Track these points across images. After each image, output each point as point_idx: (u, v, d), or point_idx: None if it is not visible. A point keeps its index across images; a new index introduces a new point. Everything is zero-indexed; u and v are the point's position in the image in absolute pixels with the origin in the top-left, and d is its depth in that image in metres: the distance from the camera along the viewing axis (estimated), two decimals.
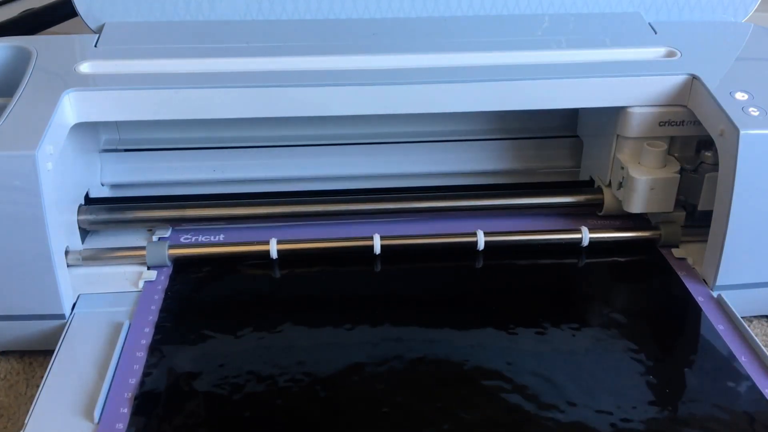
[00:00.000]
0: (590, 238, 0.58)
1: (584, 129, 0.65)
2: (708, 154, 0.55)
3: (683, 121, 0.55)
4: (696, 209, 0.57)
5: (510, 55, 0.58)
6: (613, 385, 0.46)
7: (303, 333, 0.50)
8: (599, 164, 0.61)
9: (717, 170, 0.54)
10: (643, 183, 0.56)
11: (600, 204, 0.60)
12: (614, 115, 0.57)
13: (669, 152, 0.57)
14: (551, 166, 0.66)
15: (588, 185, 0.64)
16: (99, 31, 0.62)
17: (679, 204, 0.58)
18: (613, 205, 0.60)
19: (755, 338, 0.49)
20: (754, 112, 0.50)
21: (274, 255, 0.56)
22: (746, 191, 0.50)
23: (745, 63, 0.57)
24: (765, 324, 0.56)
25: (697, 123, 0.55)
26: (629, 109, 0.56)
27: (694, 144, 0.57)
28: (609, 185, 0.60)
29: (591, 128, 0.63)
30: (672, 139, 0.57)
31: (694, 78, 0.54)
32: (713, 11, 0.65)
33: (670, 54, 0.58)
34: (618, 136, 0.57)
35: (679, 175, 0.56)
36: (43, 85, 0.53)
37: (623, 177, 0.57)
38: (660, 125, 0.56)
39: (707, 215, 0.56)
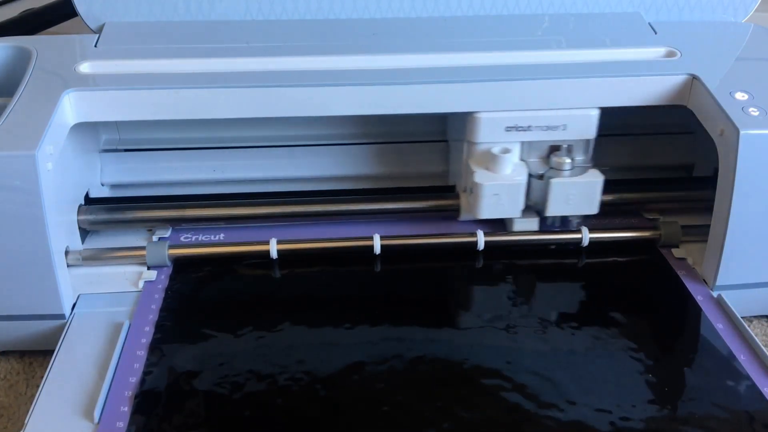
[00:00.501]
0: (590, 238, 0.58)
1: (449, 134, 0.64)
2: (556, 159, 0.56)
3: (530, 126, 0.55)
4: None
5: (510, 55, 0.58)
6: (612, 384, 0.46)
7: (303, 332, 0.50)
8: (457, 169, 0.61)
9: (563, 176, 0.55)
10: (487, 189, 0.55)
11: (457, 209, 0.60)
12: (464, 120, 0.56)
13: (521, 157, 0.57)
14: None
15: (451, 190, 0.63)
16: (99, 31, 0.62)
17: (532, 209, 0.58)
18: (468, 210, 0.59)
19: (755, 338, 0.49)
20: (754, 112, 0.50)
21: (274, 255, 0.56)
22: (746, 191, 0.50)
23: (745, 63, 0.57)
24: (765, 324, 0.56)
25: (544, 128, 0.55)
26: (476, 115, 0.55)
27: (546, 149, 0.57)
28: (465, 190, 0.59)
29: (452, 133, 0.63)
30: (523, 145, 0.57)
31: (694, 78, 0.54)
32: (713, 11, 0.65)
33: (670, 54, 0.58)
34: (468, 141, 0.57)
35: (523, 181, 0.55)
36: (43, 85, 0.53)
37: (471, 182, 0.56)
38: (507, 130, 0.55)
39: (564, 220, 0.57)
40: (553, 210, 0.56)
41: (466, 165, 0.58)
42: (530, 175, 0.56)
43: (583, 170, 0.56)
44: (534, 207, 0.58)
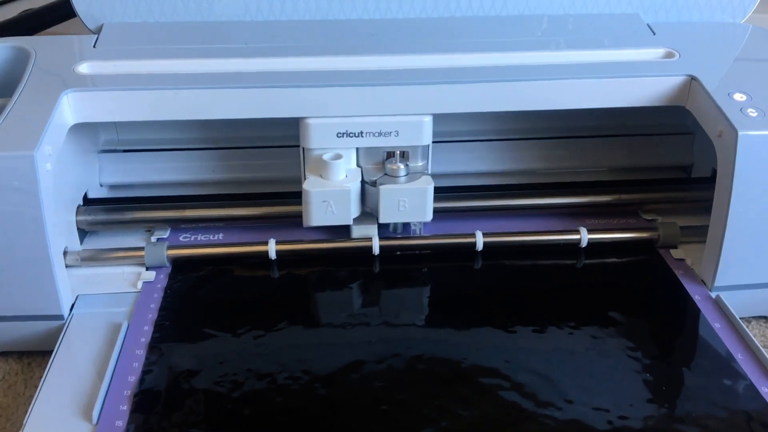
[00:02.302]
0: (589, 238, 0.58)
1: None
2: (390, 165, 0.55)
3: (362, 132, 0.54)
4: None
5: (508, 56, 0.58)
6: (610, 383, 0.46)
7: (302, 331, 0.50)
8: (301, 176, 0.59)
9: (394, 183, 0.54)
10: (314, 196, 0.54)
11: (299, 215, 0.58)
12: (297, 126, 0.55)
13: (358, 164, 0.56)
14: None
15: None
16: (98, 31, 0.62)
17: (370, 216, 0.57)
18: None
19: (753, 338, 0.49)
20: (752, 113, 0.50)
21: (272, 255, 0.56)
22: (745, 192, 0.50)
23: (743, 64, 0.58)
24: (763, 324, 0.57)
25: (377, 134, 0.54)
26: (306, 121, 0.54)
27: (382, 155, 0.56)
28: None
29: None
30: (359, 151, 0.56)
31: (692, 79, 0.55)
32: (712, 12, 0.65)
33: (669, 55, 0.58)
34: (303, 147, 0.56)
35: (352, 188, 0.55)
36: (41, 86, 0.53)
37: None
38: (338, 136, 0.54)
39: (406, 227, 0.58)
40: (386, 217, 0.56)
41: (303, 171, 0.57)
42: (364, 182, 0.56)
43: (418, 177, 0.56)
44: (373, 213, 0.57)
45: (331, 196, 0.55)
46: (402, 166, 0.55)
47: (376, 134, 0.54)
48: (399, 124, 0.54)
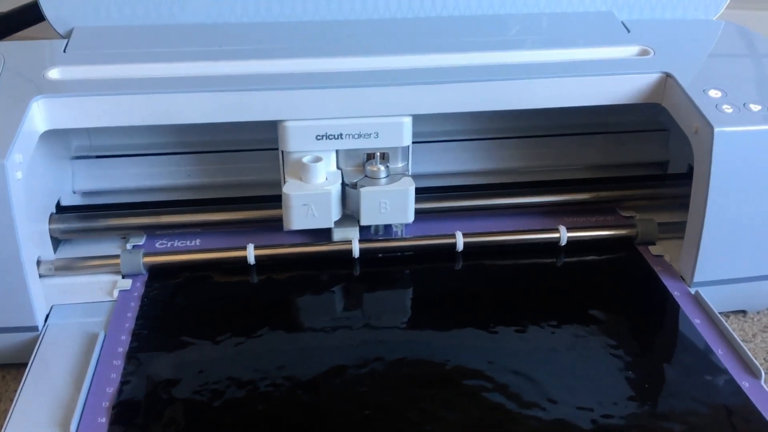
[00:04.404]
0: (568, 237, 0.58)
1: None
2: (370, 168, 0.55)
3: (341, 135, 0.54)
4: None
5: (483, 55, 0.58)
6: (593, 382, 0.46)
7: (283, 337, 0.50)
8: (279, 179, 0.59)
9: (375, 185, 0.54)
10: (295, 199, 0.54)
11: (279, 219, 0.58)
12: (276, 129, 0.55)
13: (339, 166, 0.56)
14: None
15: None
16: (68, 36, 0.61)
17: (352, 218, 0.57)
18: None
19: (732, 332, 0.49)
20: (727, 109, 0.51)
21: (251, 260, 0.56)
22: (721, 188, 0.51)
23: (717, 60, 0.58)
24: (741, 319, 0.57)
25: (356, 136, 0.54)
26: (284, 123, 0.53)
27: (362, 158, 0.56)
28: None
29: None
30: (339, 153, 0.56)
31: (668, 76, 0.55)
32: (685, 9, 0.65)
33: (644, 52, 0.59)
34: (282, 150, 0.55)
35: (332, 190, 0.55)
36: (10, 92, 0.52)
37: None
38: (318, 139, 0.54)
39: (387, 228, 0.58)
40: (367, 219, 0.56)
41: (282, 174, 0.56)
42: (345, 184, 0.56)
43: (399, 178, 0.55)
44: (354, 216, 0.57)
45: (311, 200, 0.54)
46: (382, 167, 0.55)
47: (356, 136, 0.54)
48: (378, 125, 0.54)
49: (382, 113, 0.54)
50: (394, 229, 0.59)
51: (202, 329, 0.50)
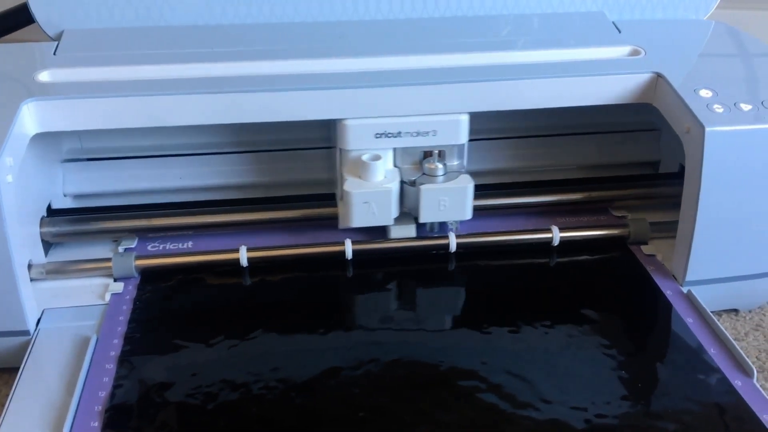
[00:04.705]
0: (561, 237, 0.58)
1: (332, 140, 0.62)
2: (428, 165, 0.56)
3: (399, 133, 0.55)
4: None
5: (474, 56, 0.58)
6: (586, 382, 0.46)
7: (276, 339, 0.50)
8: (335, 177, 0.60)
9: (434, 182, 0.55)
10: (356, 196, 0.55)
11: (335, 217, 0.59)
12: (335, 127, 0.55)
13: (396, 164, 0.57)
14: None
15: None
16: (58, 38, 0.60)
17: (409, 216, 0.57)
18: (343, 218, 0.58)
19: (724, 331, 0.50)
20: (718, 109, 0.51)
21: (244, 263, 0.56)
22: (713, 188, 0.51)
23: (708, 60, 0.58)
24: (734, 317, 0.57)
25: (414, 134, 0.55)
26: (344, 122, 0.54)
27: (419, 155, 0.57)
28: (341, 198, 0.58)
29: (332, 140, 0.61)
30: (396, 151, 0.56)
31: (659, 76, 0.55)
32: (675, 9, 0.65)
33: (635, 52, 0.59)
34: (340, 149, 0.56)
35: (393, 188, 0.55)
36: (0, 95, 0.52)
37: (342, 191, 0.56)
38: (377, 137, 0.55)
39: (442, 226, 0.58)
40: (426, 217, 0.56)
41: (339, 173, 0.57)
42: (403, 182, 0.56)
43: (456, 176, 0.56)
44: (411, 213, 0.57)
45: (372, 197, 0.55)
46: (440, 165, 0.55)
47: (414, 134, 0.54)
48: (437, 123, 0.54)
49: (440, 111, 0.54)
50: (449, 226, 0.59)
51: (195, 332, 0.50)
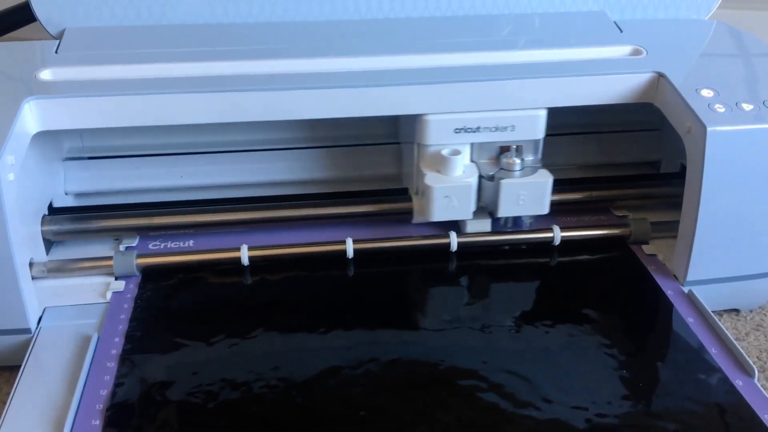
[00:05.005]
0: (562, 236, 0.58)
1: (401, 136, 0.64)
2: (506, 160, 0.56)
3: (478, 128, 0.55)
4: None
5: (478, 55, 0.58)
6: (587, 381, 0.46)
7: (277, 338, 0.50)
8: (408, 172, 0.61)
9: (513, 177, 0.55)
10: (438, 191, 0.55)
11: (410, 212, 0.59)
12: (413, 123, 0.56)
13: (472, 159, 0.57)
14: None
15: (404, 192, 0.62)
16: (59, 36, 0.60)
17: (485, 211, 0.58)
18: (420, 213, 0.59)
19: (725, 331, 0.50)
20: (720, 108, 0.51)
21: (245, 261, 0.56)
22: (714, 187, 0.51)
23: (709, 60, 0.58)
24: (735, 317, 0.57)
25: (493, 129, 0.55)
26: (425, 117, 0.54)
27: (496, 150, 0.57)
28: (417, 193, 0.60)
29: (403, 136, 0.63)
30: (473, 146, 0.57)
31: (660, 76, 0.55)
32: (677, 9, 0.65)
33: (636, 52, 0.59)
34: (418, 144, 0.56)
35: (473, 183, 0.56)
36: (2, 94, 0.52)
37: (422, 185, 0.57)
38: (456, 132, 0.55)
39: (517, 220, 0.58)
40: (504, 211, 0.56)
41: (417, 167, 0.57)
42: (481, 177, 0.56)
43: (534, 170, 0.56)
44: (486, 208, 0.58)
45: (453, 192, 0.55)
46: (518, 160, 0.56)
47: (493, 129, 0.55)
48: (515, 118, 0.55)
49: (519, 106, 0.55)
50: (524, 220, 0.59)
51: (196, 331, 0.50)
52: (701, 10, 0.66)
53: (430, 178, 0.55)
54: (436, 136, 0.55)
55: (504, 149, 0.57)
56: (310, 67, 0.56)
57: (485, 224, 0.59)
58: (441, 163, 0.56)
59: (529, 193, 0.56)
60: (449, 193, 0.55)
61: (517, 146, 0.57)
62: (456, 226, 0.59)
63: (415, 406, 0.44)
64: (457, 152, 0.56)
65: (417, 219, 0.59)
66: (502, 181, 0.55)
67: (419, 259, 0.58)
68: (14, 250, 0.48)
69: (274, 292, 0.54)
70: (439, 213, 0.56)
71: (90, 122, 0.52)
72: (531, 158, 0.57)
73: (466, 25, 0.63)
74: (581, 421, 0.44)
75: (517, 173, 0.56)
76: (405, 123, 0.60)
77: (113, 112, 0.52)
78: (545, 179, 0.56)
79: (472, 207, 0.57)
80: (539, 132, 0.56)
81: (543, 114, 0.55)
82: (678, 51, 0.59)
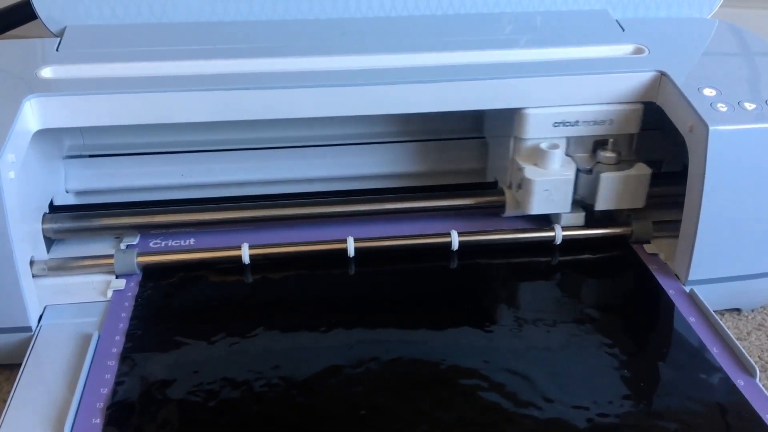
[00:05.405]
0: (563, 236, 0.58)
1: (488, 130, 0.65)
2: (604, 154, 0.57)
3: (577, 122, 0.56)
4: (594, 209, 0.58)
5: (480, 54, 0.58)
6: (588, 381, 0.46)
7: (278, 337, 0.50)
8: (501, 166, 0.61)
9: (612, 170, 0.56)
10: (538, 184, 0.56)
11: (502, 205, 0.60)
12: (510, 117, 0.57)
13: (567, 153, 0.58)
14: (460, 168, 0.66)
15: (492, 186, 0.63)
16: (60, 34, 0.60)
17: (578, 204, 0.58)
18: (514, 206, 0.60)
19: (727, 330, 0.49)
20: (722, 107, 0.51)
21: (246, 260, 0.56)
22: (716, 187, 0.51)
23: (711, 59, 0.58)
24: (736, 317, 0.57)
25: (591, 123, 0.56)
26: (524, 111, 0.56)
27: (591, 144, 0.58)
28: (510, 187, 0.60)
29: (493, 129, 0.63)
30: (568, 140, 0.57)
31: (662, 74, 0.55)
32: (679, 7, 0.65)
33: (638, 51, 0.59)
34: (515, 137, 0.57)
35: (573, 176, 0.56)
36: (3, 91, 0.52)
37: (521, 179, 0.57)
38: (554, 126, 0.56)
39: (609, 214, 0.58)
40: (603, 204, 0.57)
41: (513, 161, 0.58)
42: (579, 170, 0.57)
43: (630, 164, 0.57)
44: (581, 202, 0.58)
45: (552, 185, 0.56)
46: (615, 153, 0.57)
47: (591, 123, 0.55)
48: (613, 112, 0.56)
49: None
50: (624, 214, 0.60)
51: (196, 329, 0.50)
52: (703, 8, 0.66)
53: (530, 172, 0.56)
54: (535, 129, 0.56)
55: (599, 143, 0.58)
56: (310, 65, 0.56)
57: (579, 218, 0.59)
58: (539, 156, 0.57)
59: (627, 187, 0.56)
60: (549, 186, 0.56)
61: (614, 140, 0.57)
62: (548, 219, 0.60)
63: (416, 406, 0.44)
64: (555, 146, 0.56)
65: (509, 212, 0.60)
66: (602, 175, 0.56)
67: (420, 258, 0.58)
68: (15, 248, 0.48)
69: (274, 291, 0.54)
70: (538, 206, 0.57)
71: (91, 120, 0.52)
72: (625, 152, 0.58)
73: (466, 24, 0.63)
74: (582, 420, 0.44)
75: (615, 167, 0.57)
76: (497, 118, 0.61)
77: (114, 110, 0.52)
78: (644, 172, 0.57)
79: (570, 200, 0.57)
80: (635, 126, 0.57)
81: (640, 108, 0.56)
82: (680, 50, 0.59)
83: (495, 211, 0.61)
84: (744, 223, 0.52)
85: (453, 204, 0.61)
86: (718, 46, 0.61)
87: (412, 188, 0.64)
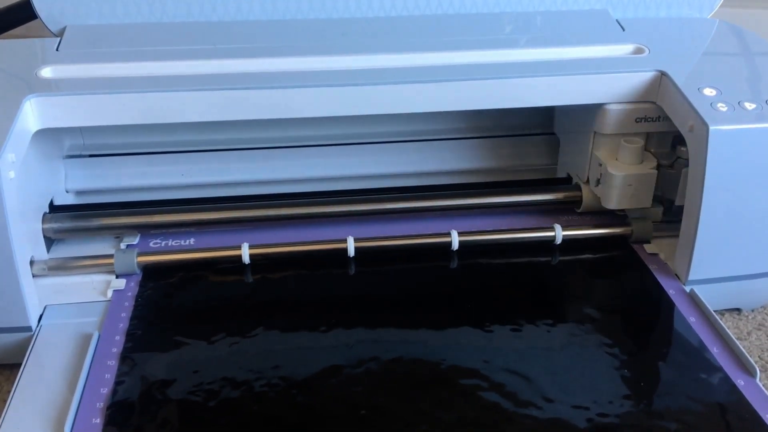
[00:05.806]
0: (563, 235, 0.58)
1: (561, 126, 0.65)
2: (684, 149, 0.56)
3: (659, 117, 0.56)
4: (673, 204, 0.57)
5: (480, 54, 0.58)
6: (589, 381, 0.46)
7: (278, 337, 0.50)
8: (577, 161, 0.62)
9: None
10: (621, 179, 0.56)
11: (579, 201, 0.61)
12: (591, 112, 0.57)
13: (645, 148, 0.58)
14: (528, 164, 0.66)
15: (565, 182, 0.64)
16: (60, 34, 0.60)
17: (656, 199, 0.58)
18: (591, 201, 0.60)
19: (727, 330, 0.49)
20: (722, 107, 0.51)
21: (246, 259, 0.55)
22: (716, 187, 0.51)
23: (712, 58, 0.58)
24: (736, 317, 0.57)
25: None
26: (606, 106, 0.56)
27: (670, 139, 0.58)
28: (587, 182, 0.60)
29: (567, 125, 0.64)
30: (648, 135, 0.57)
31: (662, 74, 0.55)
32: (679, 7, 0.65)
33: (639, 50, 0.59)
34: (595, 133, 0.58)
35: (655, 171, 0.56)
36: (3, 91, 0.52)
37: (601, 174, 0.58)
38: (636, 121, 0.56)
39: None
40: (683, 199, 0.56)
41: (593, 156, 0.58)
42: (660, 165, 0.57)
43: None
44: (659, 197, 0.58)
45: (635, 180, 0.56)
46: None
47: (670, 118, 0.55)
48: None
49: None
50: None
51: (196, 329, 0.50)
52: (704, 8, 0.66)
53: (613, 167, 0.56)
54: (617, 125, 0.56)
55: (677, 139, 0.57)
56: (310, 65, 0.56)
57: (657, 213, 0.59)
58: (620, 151, 0.57)
59: None
60: (632, 181, 0.56)
61: None
62: (624, 215, 0.60)
63: (416, 406, 0.44)
64: (636, 141, 0.56)
65: (588, 207, 0.60)
66: (685, 170, 0.55)
67: (421, 257, 0.58)
68: (15, 247, 0.48)
69: (275, 291, 0.54)
70: (621, 201, 0.57)
71: (91, 120, 0.52)
72: None
73: (466, 24, 0.63)
74: (582, 420, 0.44)
75: None
76: (572, 114, 0.61)
77: (114, 109, 0.52)
78: None
79: (652, 195, 0.57)
80: None
81: None
82: (680, 50, 0.59)
83: (570, 206, 0.61)
84: (744, 223, 0.52)
85: (529, 200, 0.61)
86: (718, 46, 0.61)
87: (474, 184, 0.64)
